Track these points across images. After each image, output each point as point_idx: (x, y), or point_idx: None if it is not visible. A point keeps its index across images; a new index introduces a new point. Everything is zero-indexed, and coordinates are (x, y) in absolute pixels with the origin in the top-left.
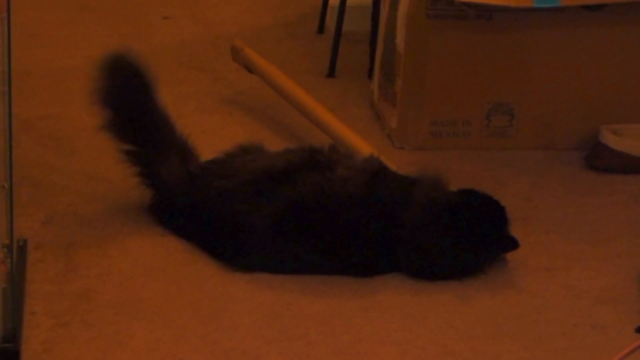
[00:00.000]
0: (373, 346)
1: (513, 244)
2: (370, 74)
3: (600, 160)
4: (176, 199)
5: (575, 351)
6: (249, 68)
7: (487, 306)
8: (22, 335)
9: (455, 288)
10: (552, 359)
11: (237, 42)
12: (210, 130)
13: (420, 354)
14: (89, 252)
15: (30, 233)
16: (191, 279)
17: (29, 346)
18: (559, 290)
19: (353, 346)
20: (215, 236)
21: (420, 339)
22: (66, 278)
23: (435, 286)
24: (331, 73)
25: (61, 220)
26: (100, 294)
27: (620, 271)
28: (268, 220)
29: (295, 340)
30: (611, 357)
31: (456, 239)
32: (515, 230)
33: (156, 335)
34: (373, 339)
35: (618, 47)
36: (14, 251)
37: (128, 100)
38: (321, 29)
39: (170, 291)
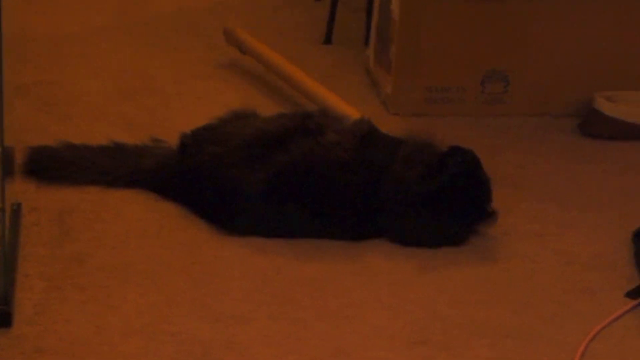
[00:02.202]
0: (363, 310)
1: (490, 217)
2: (366, 41)
3: (594, 127)
4: (169, 166)
5: (565, 316)
6: (242, 49)
7: (478, 271)
8: (15, 298)
9: (446, 254)
10: (542, 324)
11: (229, 25)
12: (205, 97)
13: (409, 318)
14: (82, 216)
15: (24, 197)
16: (184, 243)
17: (21, 308)
18: (549, 256)
19: (343, 310)
20: (209, 201)
21: (409, 304)
22: (59, 242)
23: (426, 252)
24: (328, 40)
25: (55, 185)
26: (93, 257)
27: (612, 237)
28: (260, 186)
29: (286, 303)
30: (600, 322)
31: (431, 208)
32: (508, 196)
33: (148, 299)
34: (363, 303)
35: (613, 14)
36: (6, 214)
37: None
38: None
39: (163, 255)
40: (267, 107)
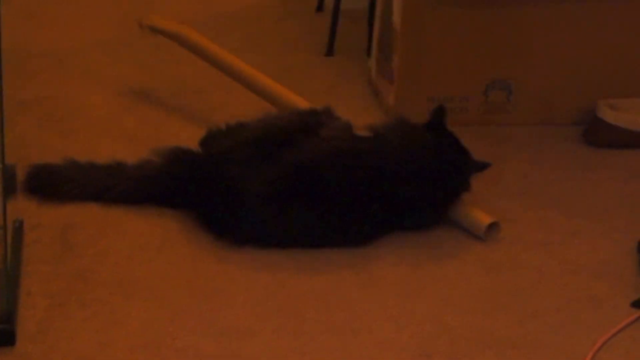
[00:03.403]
0: (369, 322)
1: (484, 164)
2: (368, 52)
3: (598, 135)
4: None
5: (571, 326)
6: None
7: (484, 281)
8: (18, 316)
9: (452, 264)
10: (548, 334)
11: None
12: (208, 110)
13: (416, 330)
14: (85, 233)
15: (27, 214)
16: (187, 258)
17: (24, 327)
18: (555, 265)
19: (348, 323)
20: (214, 203)
21: (416, 315)
22: (62, 258)
23: (432, 262)
24: (330, 51)
25: (57, 202)
26: (96, 274)
27: (617, 246)
28: (265, 186)
29: (291, 317)
30: (606, 332)
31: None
32: (513, 205)
33: (152, 315)
34: (369, 316)
35: (616, 22)
36: (7, 232)
37: None
38: (320, 6)
39: (166, 271)
40: None
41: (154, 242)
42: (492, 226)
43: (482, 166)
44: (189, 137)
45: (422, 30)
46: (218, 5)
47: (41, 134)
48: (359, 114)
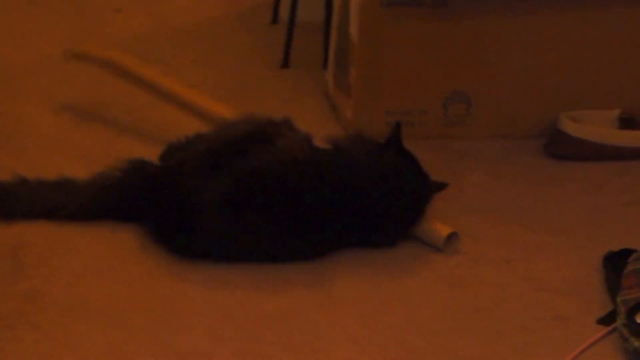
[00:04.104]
0: (330, 344)
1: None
2: (325, 64)
3: (560, 147)
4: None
5: (537, 345)
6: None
7: (446, 300)
8: None
9: (414, 282)
10: (513, 354)
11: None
12: (163, 125)
13: (379, 351)
14: (36, 252)
15: None
16: (142, 278)
17: None
18: (519, 283)
19: (310, 345)
20: (168, 213)
21: (379, 336)
22: (13, 278)
23: (393, 280)
24: (285, 64)
25: (7, 220)
26: (48, 294)
27: (582, 262)
28: (219, 196)
29: (250, 339)
30: (573, 350)
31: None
32: (475, 221)
33: (106, 338)
34: (330, 337)
35: (575, 33)
36: None
37: None
38: (275, 19)
39: (121, 291)
40: None
41: (107, 261)
42: (451, 237)
43: (440, 186)
44: (143, 154)
45: (380, 42)
46: (171, 20)
47: None
48: (316, 128)
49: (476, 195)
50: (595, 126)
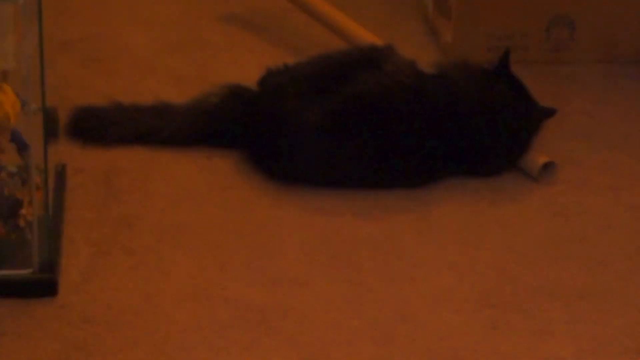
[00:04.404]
0: (428, 271)
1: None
2: None
3: None
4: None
5: None
6: None
7: (549, 228)
8: (60, 265)
9: (515, 209)
10: (617, 283)
11: None
12: (258, 49)
13: (478, 279)
14: (130, 177)
15: (69, 158)
16: (237, 203)
17: (67, 276)
18: (623, 211)
19: (407, 272)
20: (266, 137)
21: (478, 264)
22: (106, 204)
23: (494, 207)
24: None
25: (102, 145)
26: (142, 220)
27: None
28: (319, 119)
29: (346, 266)
30: None
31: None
32: (578, 147)
33: (200, 263)
34: (428, 264)
35: None
36: (47, 176)
37: None
38: None
39: (216, 217)
40: None
41: (202, 187)
42: (548, 166)
43: (549, 112)
44: (240, 79)
45: None
46: None
47: (84, 74)
48: (415, 53)
49: (579, 121)
50: None
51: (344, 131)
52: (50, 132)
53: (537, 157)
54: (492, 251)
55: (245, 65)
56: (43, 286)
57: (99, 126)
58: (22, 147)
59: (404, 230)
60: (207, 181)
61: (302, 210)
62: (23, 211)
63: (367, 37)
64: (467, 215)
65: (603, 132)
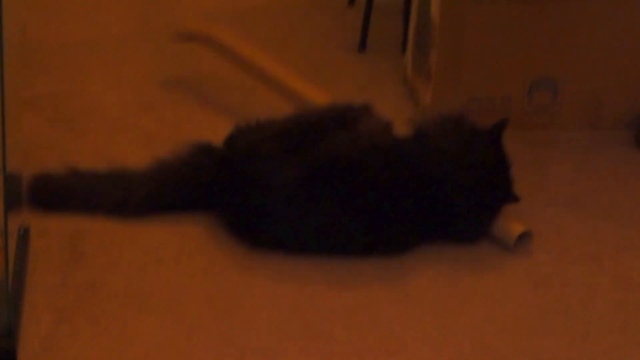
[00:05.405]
0: (404, 343)
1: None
2: (403, 48)
3: None
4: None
5: (626, 348)
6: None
7: (529, 298)
8: (21, 332)
9: (496, 279)
10: (601, 357)
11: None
12: (232, 109)
13: (455, 351)
14: (96, 241)
15: (34, 219)
16: (206, 269)
17: (27, 344)
18: (607, 282)
19: (382, 343)
20: (239, 197)
21: (456, 335)
22: (70, 269)
23: (473, 277)
24: (362, 47)
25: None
26: (107, 285)
27: None
28: (292, 180)
29: (319, 336)
30: None
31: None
32: (560, 215)
33: (167, 332)
34: (404, 335)
35: None
36: (7, 239)
37: None
38: (352, 0)
39: (183, 283)
40: None
41: (170, 251)
42: (523, 236)
43: (515, 198)
44: (211, 138)
45: (462, 24)
46: (244, 0)
47: (52, 133)
48: (393, 114)
49: (561, 187)
50: None
51: (315, 194)
52: (13, 195)
53: (513, 227)
54: (471, 322)
55: (218, 124)
56: (2, 354)
57: (59, 198)
58: None
59: (379, 300)
60: (176, 246)
61: (273, 277)
62: None
63: (317, 96)
64: (445, 284)
65: (586, 201)
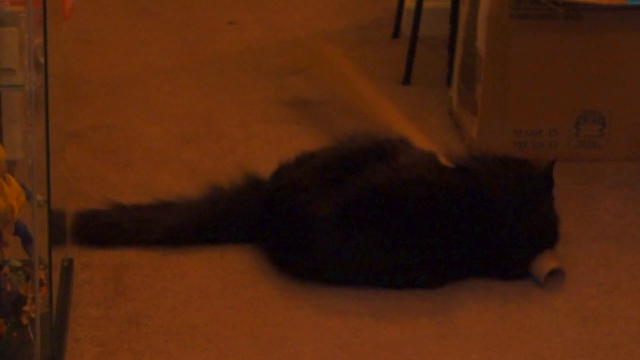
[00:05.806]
0: None
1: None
2: (448, 81)
3: None
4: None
5: None
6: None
7: (578, 333)
8: None
9: (543, 314)
10: None
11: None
12: (276, 141)
13: None
14: (140, 274)
15: (77, 252)
16: (251, 303)
17: None
18: None
19: None
20: (280, 231)
21: None
22: (114, 302)
23: (521, 311)
24: (407, 80)
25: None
26: (151, 319)
27: None
28: (333, 213)
29: None
30: None
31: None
32: (609, 249)
33: None
34: None
35: None
36: (51, 272)
37: None
38: (396, 33)
39: (228, 316)
40: None
41: (215, 285)
42: (554, 272)
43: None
44: (254, 170)
45: (509, 57)
46: (287, 32)
47: (95, 165)
48: (439, 147)
49: (610, 221)
50: None
51: (354, 226)
52: (57, 229)
53: (544, 262)
54: (519, 358)
55: (262, 158)
56: None
57: (103, 234)
58: (26, 240)
59: (425, 334)
60: (220, 279)
61: (319, 311)
62: (26, 308)
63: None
64: (493, 318)
65: (635, 233)
